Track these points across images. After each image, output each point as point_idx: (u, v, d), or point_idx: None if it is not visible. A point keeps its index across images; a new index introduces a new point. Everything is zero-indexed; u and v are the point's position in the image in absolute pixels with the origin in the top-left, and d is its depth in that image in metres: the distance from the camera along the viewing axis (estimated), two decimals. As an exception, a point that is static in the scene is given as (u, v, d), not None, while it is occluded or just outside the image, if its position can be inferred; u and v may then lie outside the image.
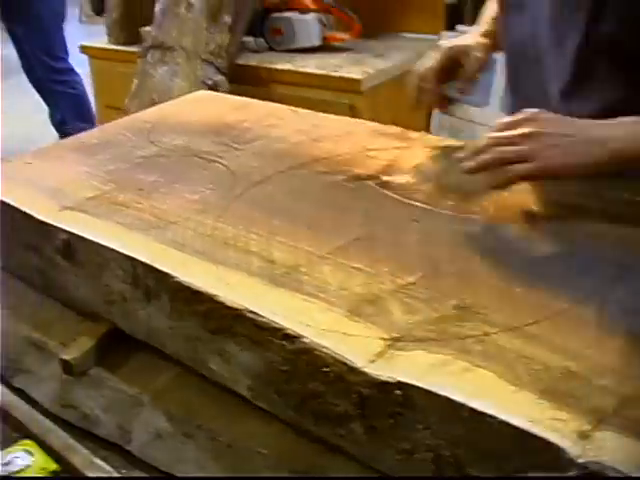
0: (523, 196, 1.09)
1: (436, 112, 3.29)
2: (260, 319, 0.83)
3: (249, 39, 3.19)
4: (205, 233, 1.02)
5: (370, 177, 1.17)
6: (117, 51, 3.49)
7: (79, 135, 1.46)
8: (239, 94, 2.88)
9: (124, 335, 1.07)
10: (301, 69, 2.92)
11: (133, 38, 3.39)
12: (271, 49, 3.16)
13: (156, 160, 1.28)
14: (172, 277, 0.92)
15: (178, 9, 3.08)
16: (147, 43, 3.12)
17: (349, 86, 2.78)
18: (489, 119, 3.20)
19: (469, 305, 0.83)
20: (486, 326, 0.79)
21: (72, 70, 4.38)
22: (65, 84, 4.34)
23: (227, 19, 2.99)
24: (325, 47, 3.10)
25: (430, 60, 1.34)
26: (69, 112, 4.37)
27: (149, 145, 1.35)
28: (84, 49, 3.62)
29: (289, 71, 2.94)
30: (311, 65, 2.93)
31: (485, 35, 1.40)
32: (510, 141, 1.01)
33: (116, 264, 1.00)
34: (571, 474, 0.61)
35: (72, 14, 8.60)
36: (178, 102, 1.64)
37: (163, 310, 0.96)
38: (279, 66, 2.98)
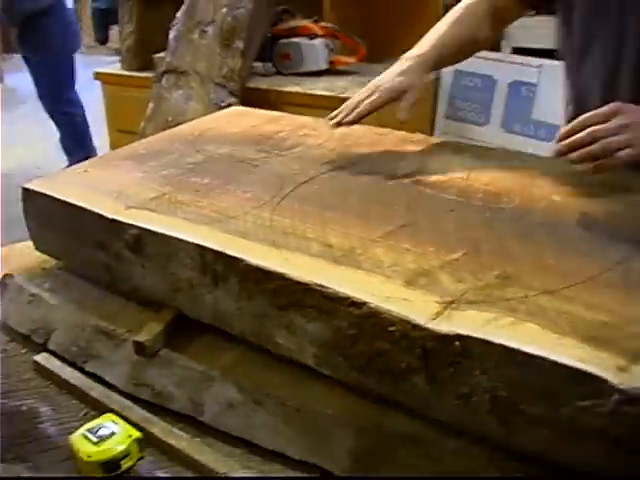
0: (542, 190, 1.22)
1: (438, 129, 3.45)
2: (328, 291, 0.94)
3: (257, 64, 3.33)
4: (264, 224, 1.14)
5: (406, 176, 1.29)
6: (130, 77, 3.62)
7: (128, 146, 1.57)
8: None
9: (188, 320, 1.18)
10: (309, 91, 3.05)
11: (145, 64, 3.53)
12: (279, 73, 3.31)
13: (205, 166, 1.40)
14: (242, 261, 1.04)
15: (192, 35, 3.22)
16: (161, 68, 3.26)
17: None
18: (489, 136, 3.35)
19: (509, 274, 0.95)
20: (527, 290, 0.91)
21: (76, 102, 4.63)
22: (68, 115, 4.57)
23: (239, 44, 3.13)
24: (332, 71, 3.24)
25: (370, 96, 1.48)
26: (70, 142, 4.59)
27: (195, 153, 1.47)
28: (98, 75, 3.74)
29: (298, 93, 3.07)
30: (319, 87, 3.07)
31: (424, 64, 1.53)
32: (611, 132, 1.15)
33: (185, 254, 1.12)
34: (614, 399, 0.73)
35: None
36: (214, 117, 1.76)
37: (231, 293, 1.07)
38: (288, 89, 3.11)
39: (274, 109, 3.08)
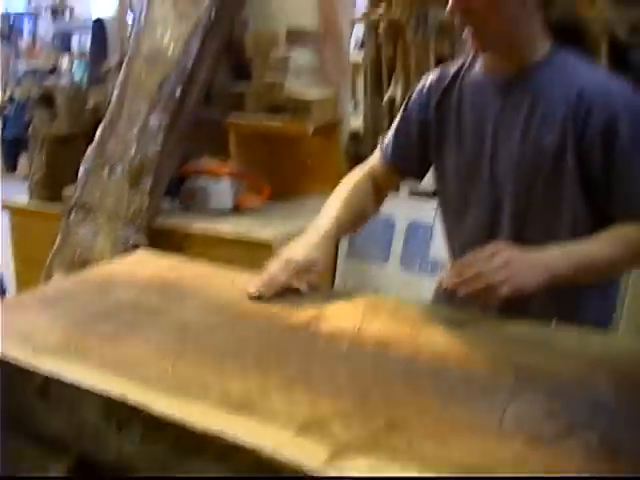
0: (428, 338, 1.34)
1: (340, 268, 3.57)
2: (225, 438, 1.02)
3: (166, 202, 3.44)
4: (166, 373, 1.22)
5: (302, 325, 1.40)
6: (39, 209, 3.68)
7: (38, 288, 1.64)
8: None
9: (91, 464, 1.22)
10: (215, 231, 3.17)
11: (54, 196, 3.60)
12: (186, 211, 3.42)
13: (112, 312, 1.47)
14: (144, 409, 1.11)
15: (101, 172, 3.33)
16: (70, 203, 3.33)
17: (260, 247, 3.03)
18: (389, 275, 3.49)
19: (396, 421, 1.06)
20: (411, 436, 1.01)
21: None
22: None
23: (147, 183, 3.24)
24: (238, 210, 3.37)
25: (277, 270, 1.62)
26: None
27: (103, 299, 1.54)
28: (5, 206, 3.78)
29: (203, 233, 3.19)
30: (224, 228, 3.19)
31: (326, 238, 1.69)
32: (492, 272, 1.38)
33: (90, 400, 1.18)
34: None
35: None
36: (122, 261, 1.83)
37: (134, 438, 1.13)
38: (194, 228, 3.23)
39: (180, 248, 3.21)
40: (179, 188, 3.44)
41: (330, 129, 3.50)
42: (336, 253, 3.70)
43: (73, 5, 11.91)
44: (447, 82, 1.73)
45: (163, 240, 3.22)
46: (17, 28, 10.38)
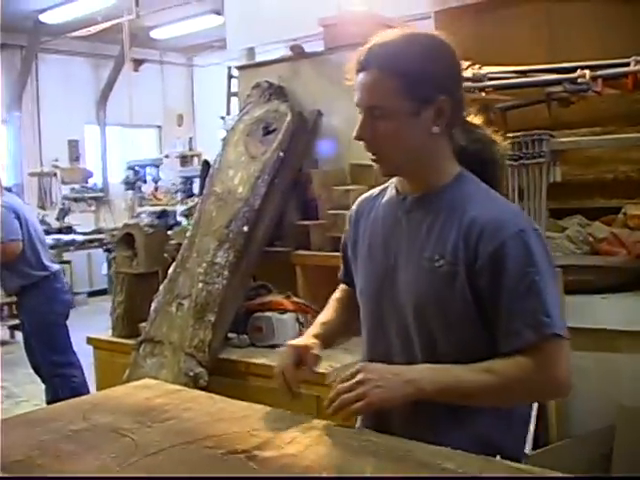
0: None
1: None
2: None
3: (233, 335, 3.52)
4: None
5: (244, 451, 1.40)
6: (118, 343, 3.83)
7: (32, 411, 1.72)
8: (219, 385, 3.16)
9: None
10: (275, 363, 3.17)
11: (133, 331, 3.74)
12: (253, 345, 3.47)
13: (81, 433, 1.54)
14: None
15: (170, 307, 3.45)
16: (141, 337, 3.46)
17: (316, 379, 3.03)
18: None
19: None
20: None
21: (72, 364, 4.86)
22: (63, 377, 4.80)
23: (211, 317, 3.33)
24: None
25: (283, 358, 1.83)
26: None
27: (81, 421, 1.62)
28: (90, 340, 3.96)
29: (264, 365, 3.21)
30: (285, 360, 3.20)
31: (316, 337, 1.88)
32: (348, 389, 1.52)
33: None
34: None
35: (105, 307, 9.24)
36: (122, 388, 1.91)
37: None
38: (255, 360, 3.26)
39: (242, 379, 3.26)
40: (246, 322, 3.51)
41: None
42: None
43: (201, 151, 12.67)
44: (366, 203, 1.85)
45: (226, 373, 3.28)
46: (141, 176, 11.05)
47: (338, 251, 3.44)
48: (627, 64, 2.99)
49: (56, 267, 4.99)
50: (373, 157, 1.67)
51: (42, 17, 10.72)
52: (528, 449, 2.32)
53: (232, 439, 1.47)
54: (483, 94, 3.16)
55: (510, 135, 3.13)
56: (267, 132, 3.75)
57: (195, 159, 12.69)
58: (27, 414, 1.72)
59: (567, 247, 3.25)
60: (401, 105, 1.59)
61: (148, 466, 1.36)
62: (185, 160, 12.57)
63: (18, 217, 4.63)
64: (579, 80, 2.93)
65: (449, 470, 1.32)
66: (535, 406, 2.44)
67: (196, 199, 9.30)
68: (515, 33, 3.72)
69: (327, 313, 1.98)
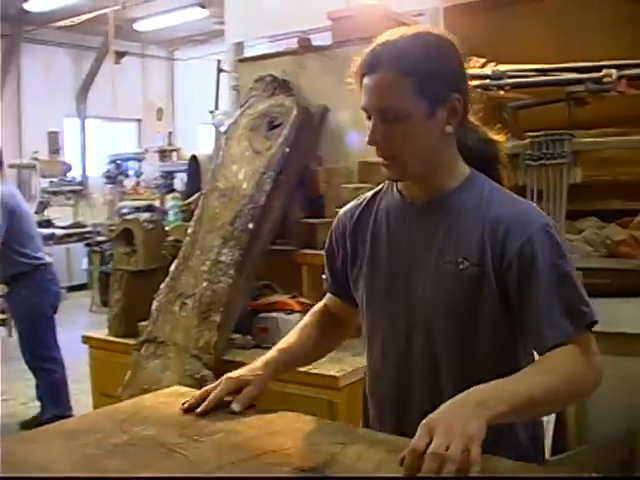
0: None
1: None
2: None
3: (237, 336, 3.41)
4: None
5: (311, 469, 1.30)
6: (115, 343, 3.72)
7: (63, 422, 1.61)
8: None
9: None
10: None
11: (131, 331, 3.63)
12: (258, 346, 3.37)
13: (125, 448, 1.43)
14: None
15: (173, 306, 3.35)
16: (142, 337, 3.35)
17: (327, 383, 2.95)
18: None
19: None
20: None
21: (55, 359, 4.87)
22: (44, 371, 4.83)
23: (216, 318, 3.23)
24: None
25: (216, 387, 1.68)
26: (45, 396, 4.84)
27: (121, 434, 1.50)
28: (85, 339, 3.85)
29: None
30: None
31: (266, 364, 1.78)
32: (430, 467, 1.22)
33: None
34: None
35: (84, 303, 9.15)
36: (156, 395, 1.80)
37: None
38: (263, 361, 3.16)
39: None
40: (251, 323, 3.41)
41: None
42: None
43: (180, 146, 12.56)
44: (361, 209, 1.76)
45: (231, 375, 3.19)
46: (123, 170, 10.90)
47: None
48: (653, 64, 2.94)
49: (48, 258, 4.96)
50: (385, 162, 1.58)
51: (26, 5, 10.54)
52: (547, 455, 2.27)
53: (293, 455, 1.37)
54: (501, 92, 3.09)
55: (530, 135, 3.07)
56: (272, 127, 3.65)
57: (174, 154, 12.58)
58: (59, 425, 1.61)
59: (584, 249, 3.19)
60: (416, 105, 1.51)
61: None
62: (164, 155, 12.44)
63: (8, 207, 4.55)
64: (605, 80, 2.86)
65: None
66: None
67: (188, 194, 9.25)
68: (527, 30, 3.66)
69: (291, 337, 1.87)
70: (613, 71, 2.88)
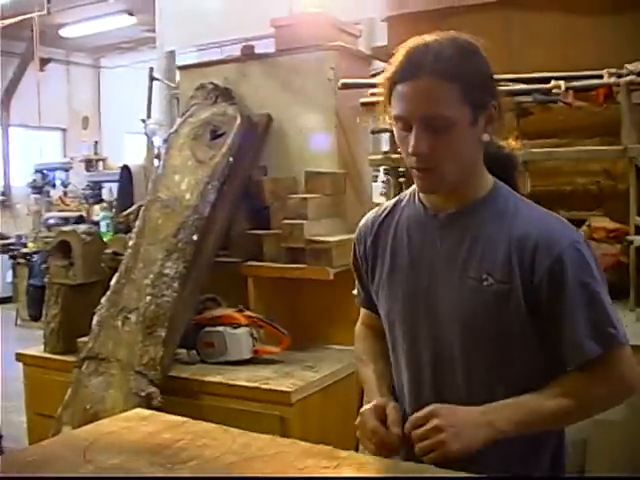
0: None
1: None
2: None
3: (182, 351, 3.31)
4: None
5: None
6: (52, 360, 3.58)
7: (19, 451, 1.50)
8: (171, 405, 2.96)
9: None
10: (232, 382, 3.02)
11: (70, 347, 3.50)
12: (203, 362, 3.28)
13: (94, 480, 1.33)
14: None
15: (115, 321, 3.23)
16: (83, 354, 3.22)
17: (279, 398, 2.88)
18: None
19: None
20: None
21: None
22: None
23: (162, 332, 3.13)
24: (255, 360, 3.23)
25: (367, 417, 1.56)
26: None
27: (85, 464, 1.40)
28: (19, 357, 3.69)
29: (220, 383, 3.04)
30: (241, 378, 3.04)
31: (383, 394, 1.65)
32: (425, 435, 1.41)
33: None
34: None
35: (9, 317, 8.84)
36: (114, 420, 1.70)
37: None
38: (210, 378, 3.08)
39: (195, 399, 3.06)
40: (196, 337, 3.31)
41: (351, 273, 3.38)
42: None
43: (107, 156, 12.32)
44: (381, 219, 1.71)
45: (178, 391, 3.09)
46: (50, 180, 10.62)
47: (295, 262, 3.36)
48: (600, 76, 2.95)
49: None
50: (420, 173, 1.51)
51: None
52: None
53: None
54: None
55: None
56: (215, 136, 3.56)
57: (101, 163, 12.32)
58: (14, 455, 1.49)
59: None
60: (462, 113, 1.46)
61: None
62: (90, 164, 12.16)
63: None
64: (554, 91, 2.86)
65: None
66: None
67: (105, 205, 9.05)
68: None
69: (373, 358, 1.77)
70: (561, 82, 2.89)
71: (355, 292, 1.86)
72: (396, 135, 1.53)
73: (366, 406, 1.59)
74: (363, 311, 1.86)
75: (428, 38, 1.51)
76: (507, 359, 1.52)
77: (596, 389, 1.48)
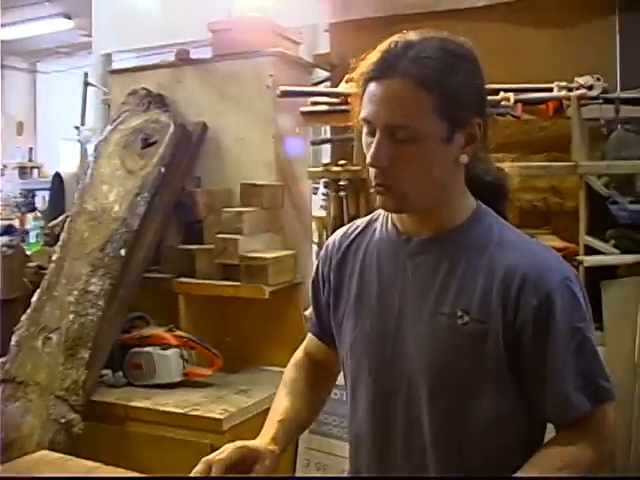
0: None
1: (301, 450, 3.23)
2: None
3: (107, 372, 3.11)
4: None
5: None
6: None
7: None
8: (94, 432, 2.76)
9: None
10: (160, 407, 2.83)
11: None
12: (130, 384, 3.08)
13: None
14: None
15: (35, 341, 3.01)
16: (-1, 377, 3.00)
17: (210, 426, 2.70)
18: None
19: None
20: None
21: None
22: None
23: (85, 354, 2.92)
24: (186, 382, 3.05)
25: (222, 453, 1.37)
26: None
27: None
28: None
29: (147, 409, 2.85)
30: (170, 403, 2.86)
31: (274, 440, 1.47)
32: None
33: None
34: None
35: None
36: (19, 463, 1.50)
37: None
38: (137, 403, 2.89)
39: (121, 425, 2.87)
40: (122, 358, 3.11)
41: (289, 291, 3.24)
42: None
43: (42, 163, 12.00)
44: (350, 240, 1.53)
45: (102, 417, 2.89)
46: (-21, 187, 10.28)
47: (228, 279, 3.18)
48: (550, 89, 2.85)
49: None
50: (380, 189, 1.33)
51: None
52: None
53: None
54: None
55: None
56: (146, 145, 3.37)
57: (35, 171, 11.98)
58: None
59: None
60: (435, 127, 1.27)
61: None
62: (24, 171, 11.80)
63: None
64: (502, 103, 2.75)
65: None
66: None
67: (40, 214, 8.73)
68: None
69: (283, 402, 1.58)
70: (511, 95, 2.77)
71: (307, 314, 1.68)
72: (362, 140, 1.35)
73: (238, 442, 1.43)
74: (310, 338, 1.68)
75: (413, 35, 1.32)
76: (478, 414, 1.34)
77: (592, 453, 1.30)
